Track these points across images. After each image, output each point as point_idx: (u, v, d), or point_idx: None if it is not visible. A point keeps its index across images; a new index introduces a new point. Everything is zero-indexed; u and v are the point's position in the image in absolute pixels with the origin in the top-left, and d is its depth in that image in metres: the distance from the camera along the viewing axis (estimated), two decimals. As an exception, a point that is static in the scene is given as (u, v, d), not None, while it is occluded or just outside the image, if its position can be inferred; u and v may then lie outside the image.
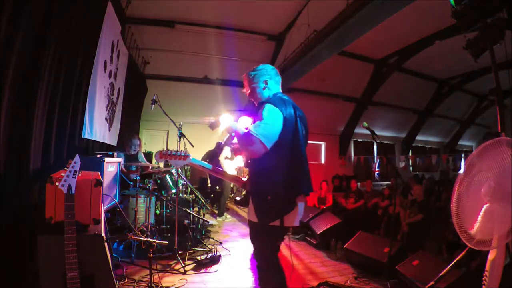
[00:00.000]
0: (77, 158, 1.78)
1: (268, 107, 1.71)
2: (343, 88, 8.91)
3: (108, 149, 4.16)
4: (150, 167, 4.19)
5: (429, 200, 5.32)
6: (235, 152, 2.11)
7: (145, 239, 2.42)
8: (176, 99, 6.78)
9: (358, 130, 10.10)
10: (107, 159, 2.72)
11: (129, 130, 5.25)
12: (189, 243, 3.67)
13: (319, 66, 6.40)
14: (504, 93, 2.26)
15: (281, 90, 1.99)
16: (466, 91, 10.49)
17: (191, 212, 4.26)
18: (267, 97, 1.90)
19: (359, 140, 10.84)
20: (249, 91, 1.96)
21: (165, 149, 1.76)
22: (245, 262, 3.55)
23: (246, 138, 1.66)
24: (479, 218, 1.73)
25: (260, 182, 1.75)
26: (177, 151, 1.78)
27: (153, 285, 2.45)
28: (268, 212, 1.68)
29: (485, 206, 1.71)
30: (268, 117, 1.68)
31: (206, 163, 1.94)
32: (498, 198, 1.65)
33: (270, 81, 1.93)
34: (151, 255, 2.31)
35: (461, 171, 1.88)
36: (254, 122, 1.77)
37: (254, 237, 1.83)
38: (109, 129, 4.35)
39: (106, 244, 1.89)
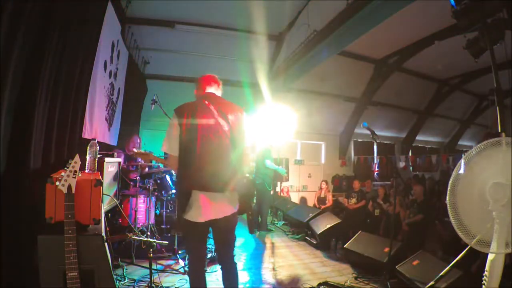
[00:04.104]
0: (77, 158, 1.78)
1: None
2: (343, 88, 8.89)
3: (108, 149, 4.16)
4: (147, 168, 4.17)
5: (430, 200, 5.32)
6: None
7: (145, 239, 2.42)
8: (176, 99, 6.74)
9: (358, 130, 10.08)
10: (107, 159, 2.73)
11: (129, 130, 5.24)
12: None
13: (319, 66, 6.39)
14: (504, 93, 2.26)
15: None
16: (466, 91, 10.48)
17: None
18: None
19: (359, 140, 10.83)
20: None
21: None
22: (244, 262, 3.55)
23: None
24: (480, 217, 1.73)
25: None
26: None
27: (153, 285, 2.45)
28: (178, 208, 1.99)
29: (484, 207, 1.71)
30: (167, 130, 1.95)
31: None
32: (502, 201, 1.64)
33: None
34: (151, 255, 2.31)
35: (461, 170, 1.88)
36: None
37: None
38: (109, 129, 4.35)
39: (106, 244, 1.89)
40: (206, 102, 2.00)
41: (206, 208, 1.84)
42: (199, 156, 1.84)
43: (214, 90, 2.13)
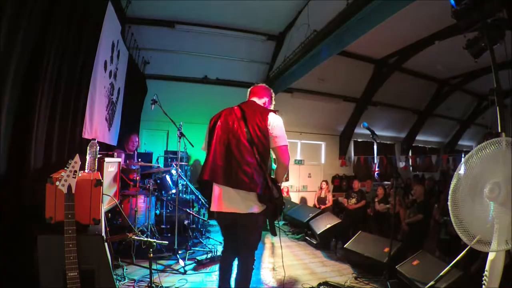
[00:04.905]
0: (77, 158, 1.78)
1: None
2: (343, 88, 8.89)
3: (108, 149, 4.15)
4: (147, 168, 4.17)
5: (430, 200, 5.32)
6: None
7: (145, 239, 2.42)
8: (176, 99, 6.76)
9: (358, 130, 10.07)
10: (107, 159, 2.72)
11: (129, 130, 5.24)
12: (189, 243, 3.67)
13: (319, 66, 6.38)
14: (504, 93, 2.25)
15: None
16: (466, 91, 10.48)
17: (191, 212, 4.26)
18: None
19: (359, 140, 10.82)
20: None
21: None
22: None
23: None
24: (479, 217, 1.72)
25: None
26: None
27: (153, 285, 2.45)
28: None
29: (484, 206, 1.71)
30: None
31: None
32: (499, 200, 1.64)
33: None
34: (151, 255, 2.31)
35: (461, 170, 1.88)
36: None
37: None
38: (109, 129, 4.35)
39: (106, 244, 1.89)
40: (236, 107, 2.15)
41: (217, 200, 2.00)
42: (214, 153, 2.02)
43: (257, 98, 2.28)
